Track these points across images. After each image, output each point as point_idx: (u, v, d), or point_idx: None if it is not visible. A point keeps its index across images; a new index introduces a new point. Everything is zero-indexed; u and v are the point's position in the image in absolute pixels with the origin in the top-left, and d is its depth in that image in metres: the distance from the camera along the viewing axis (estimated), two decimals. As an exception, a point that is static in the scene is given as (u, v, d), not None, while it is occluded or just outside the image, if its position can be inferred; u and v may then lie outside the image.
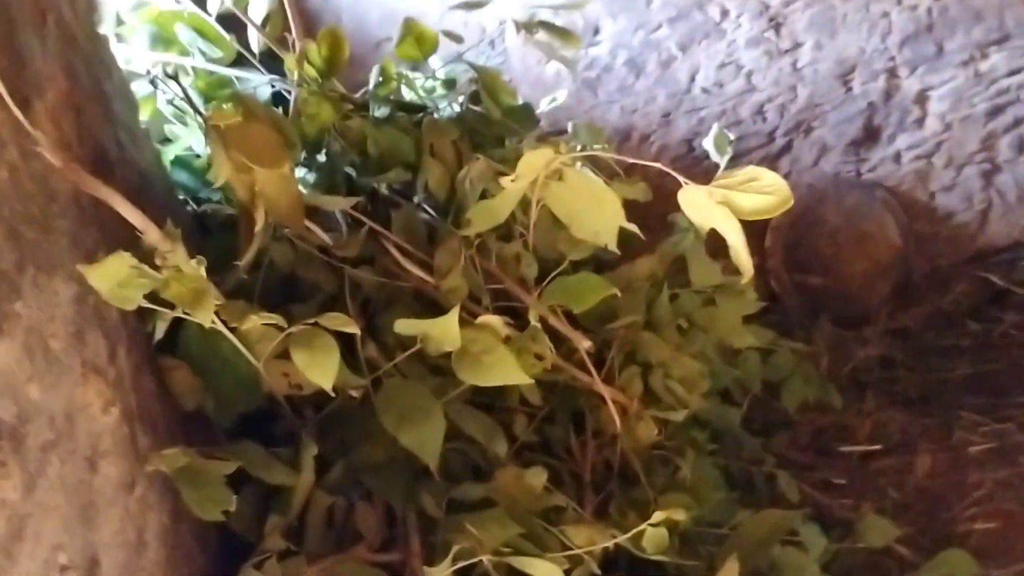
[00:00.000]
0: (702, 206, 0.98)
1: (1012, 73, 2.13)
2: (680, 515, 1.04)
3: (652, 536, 1.04)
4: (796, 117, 2.18)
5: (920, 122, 2.18)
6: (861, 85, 2.15)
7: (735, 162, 2.14)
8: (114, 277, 0.87)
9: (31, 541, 0.75)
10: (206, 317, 0.91)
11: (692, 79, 2.14)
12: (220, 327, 0.97)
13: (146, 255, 0.93)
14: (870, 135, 2.20)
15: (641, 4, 2.04)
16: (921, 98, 2.15)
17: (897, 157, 2.21)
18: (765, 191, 0.97)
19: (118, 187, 0.99)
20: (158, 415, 1.00)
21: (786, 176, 2.20)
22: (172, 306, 0.96)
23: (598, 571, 1.07)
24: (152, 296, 0.95)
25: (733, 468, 1.69)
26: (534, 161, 1.04)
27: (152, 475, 0.95)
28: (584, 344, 1.21)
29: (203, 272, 0.92)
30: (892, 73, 2.13)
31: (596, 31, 2.08)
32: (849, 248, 2.21)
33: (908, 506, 1.77)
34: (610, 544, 1.05)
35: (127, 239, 0.99)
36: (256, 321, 0.96)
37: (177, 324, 0.99)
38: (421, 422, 1.07)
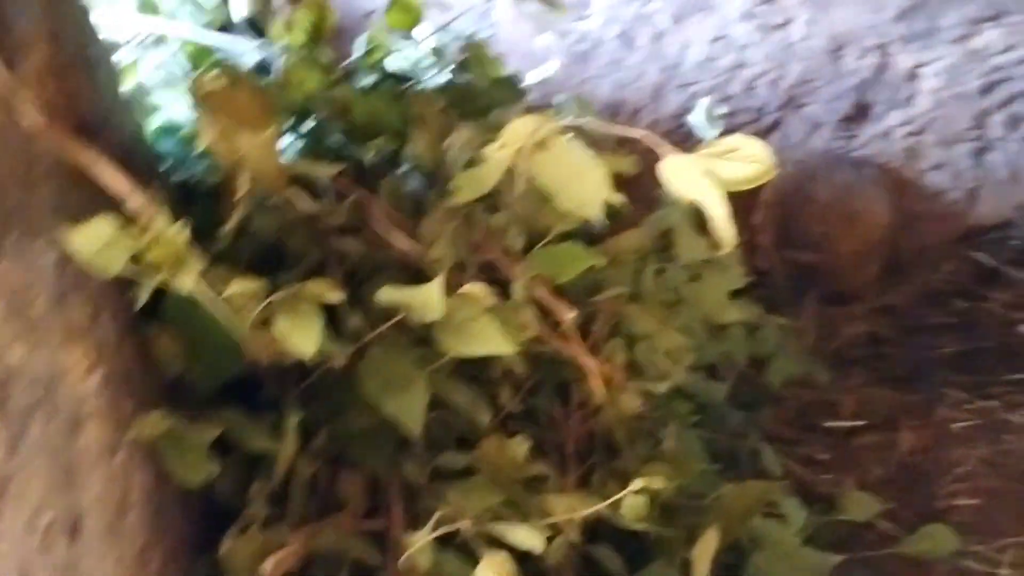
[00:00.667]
0: (685, 176, 0.99)
1: (1005, 50, 2.14)
2: (659, 484, 1.06)
3: (631, 504, 1.06)
4: (787, 93, 2.19)
5: (911, 99, 2.19)
6: (853, 61, 2.16)
7: (724, 137, 2.15)
8: (97, 241, 0.88)
9: (14, 500, 0.76)
10: (188, 282, 0.92)
11: (683, 53, 2.14)
12: (202, 293, 0.97)
13: (129, 222, 0.93)
14: (861, 112, 2.21)
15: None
16: (913, 75, 2.16)
17: (888, 134, 2.22)
18: (748, 160, 0.98)
19: (101, 153, 1.00)
20: (141, 380, 1.01)
21: (776, 152, 2.22)
22: (156, 273, 0.96)
23: (578, 540, 1.10)
24: (135, 262, 0.96)
25: (717, 442, 1.71)
26: (519, 129, 1.05)
27: (135, 440, 0.97)
28: (568, 315, 1.22)
29: (186, 236, 0.92)
30: (884, 49, 2.14)
31: (587, 4, 2.08)
32: (838, 225, 2.22)
33: (891, 481, 1.79)
34: (590, 513, 1.07)
35: (109, 207, 1.00)
36: (238, 287, 0.97)
37: (161, 290, 1.00)
38: (404, 391, 1.08)
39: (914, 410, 1.93)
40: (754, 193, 2.22)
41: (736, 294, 1.70)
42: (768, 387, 1.90)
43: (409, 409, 1.06)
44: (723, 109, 1.91)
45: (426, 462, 1.14)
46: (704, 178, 0.99)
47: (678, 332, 1.49)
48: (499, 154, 1.05)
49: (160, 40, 1.29)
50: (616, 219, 1.34)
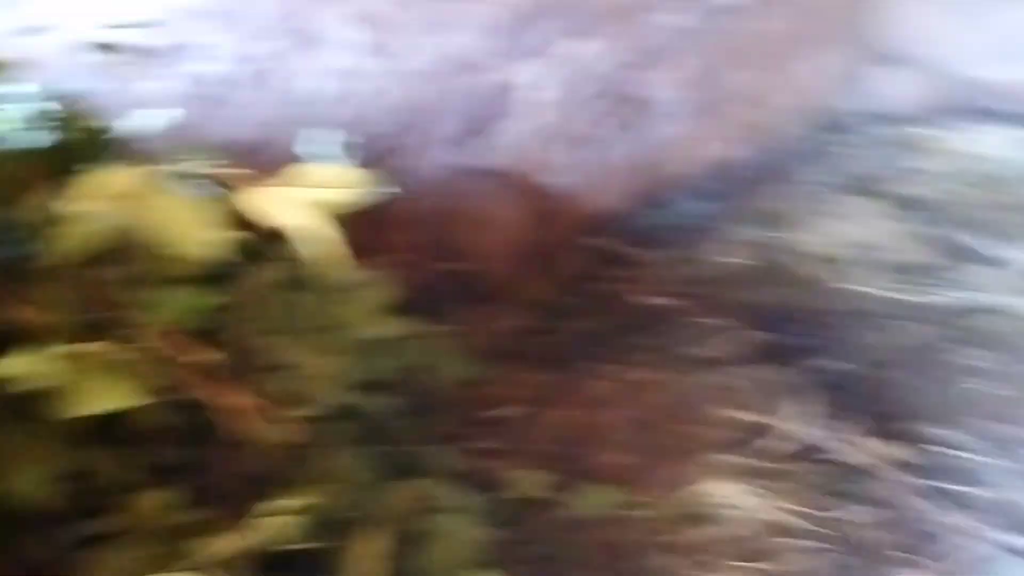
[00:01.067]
0: (283, 206, 1.06)
1: (609, 59, 2.44)
2: (298, 501, 1.11)
3: (272, 526, 1.10)
4: (408, 116, 2.33)
5: (531, 110, 2.43)
6: (471, 79, 2.35)
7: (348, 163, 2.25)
8: None
9: None
10: None
11: (294, 86, 2.21)
12: None
13: None
14: (484, 126, 2.41)
15: (237, 18, 2.08)
16: (531, 87, 2.40)
17: (513, 144, 2.45)
18: (341, 185, 1.07)
19: None
20: None
21: (403, 172, 2.36)
22: None
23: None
24: None
25: (393, 454, 1.79)
26: (108, 182, 1.05)
27: None
28: (204, 356, 1.24)
29: None
30: (501, 67, 2.35)
31: (188, 47, 2.09)
32: (475, 232, 2.41)
33: (553, 455, 1.98)
34: (233, 546, 1.10)
35: None
36: None
37: None
38: (26, 463, 1.04)
39: (564, 387, 2.14)
40: (401, 215, 2.36)
41: (397, 310, 1.79)
42: (437, 393, 2.02)
43: (31, 481, 1.03)
44: (336, 138, 1.99)
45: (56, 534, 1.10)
46: (303, 207, 1.06)
47: (330, 355, 1.55)
48: (88, 208, 1.04)
49: None
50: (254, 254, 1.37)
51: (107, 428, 1.18)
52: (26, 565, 1.11)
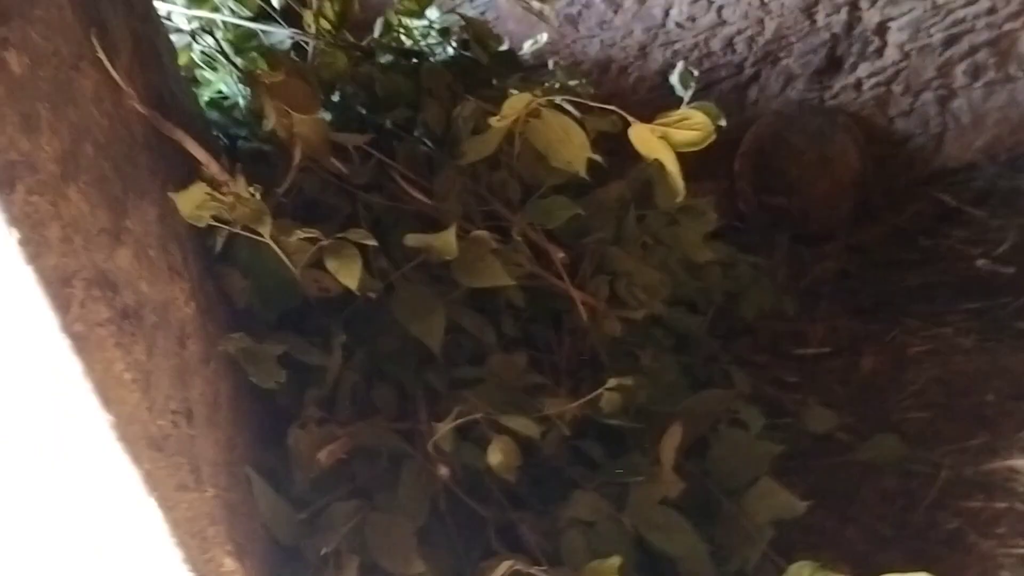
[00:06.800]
0: (646, 140, 1.35)
1: (967, 4, 2.46)
2: (629, 381, 1.43)
3: (607, 399, 1.43)
4: (764, 48, 2.53)
5: (880, 52, 2.53)
6: (825, 17, 2.49)
7: (707, 91, 2.50)
8: (194, 201, 1.24)
9: (153, 389, 1.13)
10: (265, 232, 1.28)
11: (667, 14, 2.48)
12: (270, 241, 1.33)
13: (210, 184, 1.29)
14: (833, 64, 2.55)
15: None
16: (881, 29, 2.50)
17: (858, 85, 2.57)
18: (695, 128, 1.34)
19: (177, 126, 1.35)
20: (219, 310, 1.38)
21: (754, 103, 2.57)
22: (227, 223, 1.32)
23: (568, 433, 1.47)
24: (217, 217, 1.32)
25: (693, 366, 2.07)
26: (516, 103, 1.40)
27: (221, 354, 1.33)
28: (559, 255, 1.59)
29: (259, 196, 1.28)
30: (854, 5, 2.47)
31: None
32: (812, 170, 2.58)
33: (850, 400, 2.16)
34: (574, 407, 1.44)
35: (187, 170, 1.35)
36: (298, 235, 1.33)
37: (231, 238, 1.36)
38: (426, 316, 1.44)
39: (875, 337, 2.29)
40: (736, 143, 2.58)
41: (714, 236, 2.05)
42: (742, 320, 2.27)
43: (430, 331, 1.43)
44: (702, 66, 2.22)
45: (444, 374, 1.51)
46: (660, 141, 1.35)
47: (655, 270, 1.85)
48: (499, 123, 1.40)
49: (210, 26, 1.63)
50: (601, 172, 1.69)
51: (483, 299, 1.57)
52: (429, 394, 1.53)
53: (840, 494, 1.92)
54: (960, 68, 2.54)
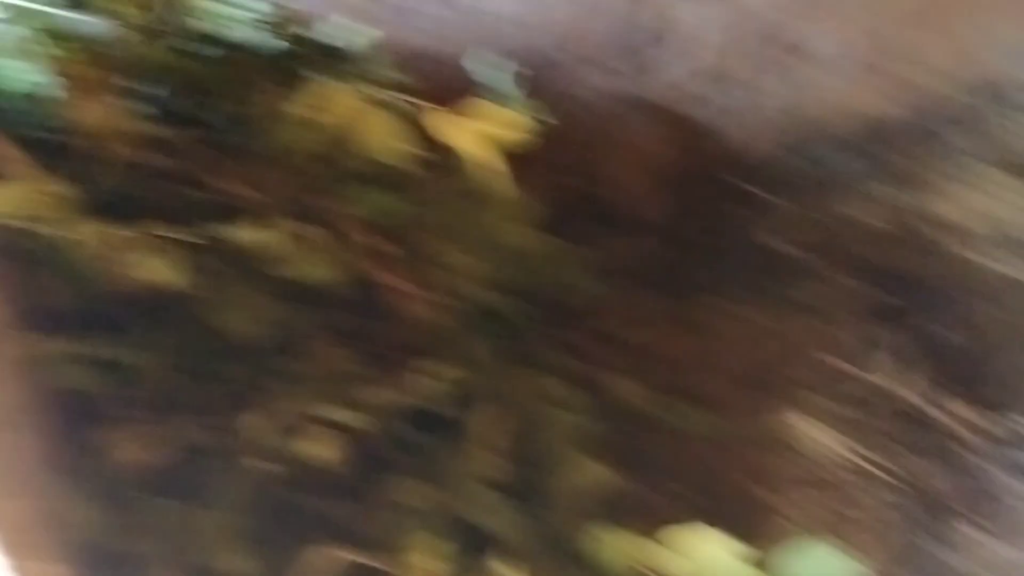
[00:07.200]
0: (456, 133, 1.40)
1: (778, 4, 2.63)
2: (445, 367, 1.49)
3: (425, 385, 1.49)
4: (567, 38, 2.61)
5: (687, 45, 2.66)
6: (633, 8, 2.60)
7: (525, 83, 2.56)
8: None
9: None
10: (73, 229, 1.25)
11: (482, 6, 2.52)
12: (76, 237, 1.31)
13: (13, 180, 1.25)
14: (639, 57, 2.67)
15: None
16: (695, 26, 2.63)
17: (671, 81, 2.70)
18: (506, 124, 1.40)
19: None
20: (29, 312, 1.34)
21: (557, 93, 2.66)
22: (35, 221, 1.28)
23: (389, 420, 1.52)
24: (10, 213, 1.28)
25: (512, 350, 2.15)
26: (333, 94, 1.43)
27: (30, 356, 1.30)
28: (376, 244, 1.63)
29: (65, 193, 1.25)
30: (668, 3, 2.59)
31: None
32: (616, 158, 2.70)
33: (659, 375, 2.31)
34: (393, 396, 1.49)
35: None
36: (108, 231, 1.30)
37: (38, 236, 1.32)
38: (241, 309, 1.46)
39: (678, 314, 2.45)
40: (552, 133, 2.67)
41: (529, 223, 2.13)
42: (559, 304, 2.37)
43: (245, 323, 1.44)
44: (505, 65, 2.29)
45: (262, 367, 1.52)
46: (474, 136, 1.41)
47: (477, 258, 1.92)
48: (317, 115, 1.42)
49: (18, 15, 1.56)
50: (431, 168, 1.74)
51: (300, 290, 1.59)
52: (228, 386, 1.54)
53: (650, 465, 2.06)
54: (771, 66, 2.71)
